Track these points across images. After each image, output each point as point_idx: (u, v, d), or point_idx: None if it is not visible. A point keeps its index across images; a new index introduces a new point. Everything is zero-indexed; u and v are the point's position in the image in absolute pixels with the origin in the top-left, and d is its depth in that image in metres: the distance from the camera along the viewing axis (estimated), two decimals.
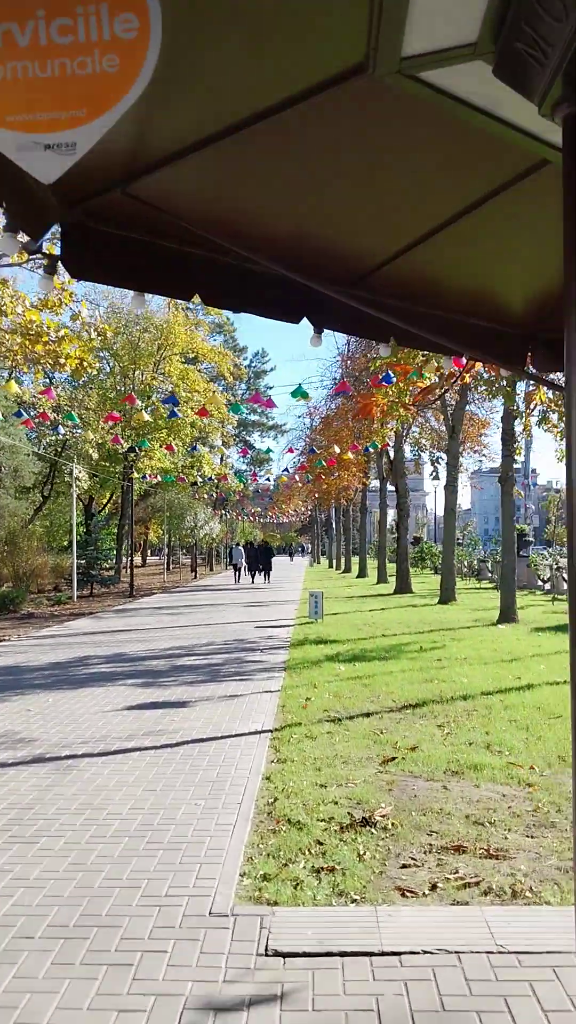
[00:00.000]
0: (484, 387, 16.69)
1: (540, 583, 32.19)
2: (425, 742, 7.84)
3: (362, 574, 43.50)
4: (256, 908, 4.42)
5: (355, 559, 55.52)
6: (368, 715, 9.11)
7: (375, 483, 47.36)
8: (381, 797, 6.21)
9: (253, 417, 70.65)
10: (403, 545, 30.33)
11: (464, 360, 13.05)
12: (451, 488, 23.90)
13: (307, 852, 5.17)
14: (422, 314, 4.66)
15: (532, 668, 12.10)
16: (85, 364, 16.08)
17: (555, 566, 29.33)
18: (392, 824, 5.60)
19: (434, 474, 47.61)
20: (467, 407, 25.05)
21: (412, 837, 5.40)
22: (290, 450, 30.99)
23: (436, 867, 4.92)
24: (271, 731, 8.50)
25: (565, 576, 27.73)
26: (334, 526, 63.30)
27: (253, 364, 70.12)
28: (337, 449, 23.19)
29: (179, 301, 48.74)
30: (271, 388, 71.73)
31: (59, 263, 3.49)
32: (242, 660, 13.63)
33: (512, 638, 15.59)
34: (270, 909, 4.40)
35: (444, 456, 39.22)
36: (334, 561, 61.51)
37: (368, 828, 5.55)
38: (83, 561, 30.79)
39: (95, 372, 43.72)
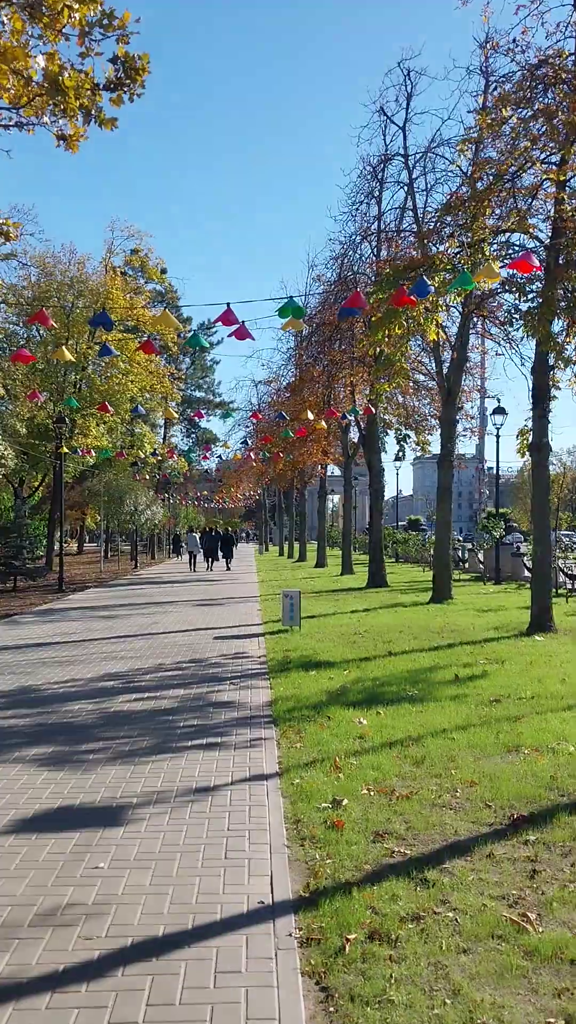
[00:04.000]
0: (522, 322, 12.61)
1: (528, 573, 28.52)
2: None
3: (320, 563, 39.44)
4: None
5: (310, 546, 51.47)
6: (466, 853, 4.91)
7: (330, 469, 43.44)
8: None
9: (199, 394, 65.92)
10: (377, 532, 26.30)
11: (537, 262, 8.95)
12: (447, 463, 19.84)
13: None
14: None
15: None
16: None
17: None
18: None
19: (400, 453, 43.89)
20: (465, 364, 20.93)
21: None
22: (255, 415, 26.46)
23: None
24: (293, 906, 4.25)
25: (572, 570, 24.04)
26: (285, 511, 59.14)
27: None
28: (311, 415, 18.95)
29: (116, 263, 44.41)
30: (218, 362, 67.01)
31: None
32: (205, 701, 9.32)
33: (570, 659, 11.59)
34: None
35: (412, 434, 35.54)
36: (286, 549, 57.30)
37: None
38: (7, 551, 26.06)
39: (23, 340, 39.17)
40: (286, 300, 9.13)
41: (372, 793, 5.94)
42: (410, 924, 4.01)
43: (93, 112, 9.43)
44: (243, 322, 10.06)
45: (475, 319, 20.36)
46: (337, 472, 49.55)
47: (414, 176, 21.30)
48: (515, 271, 9.29)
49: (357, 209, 24.50)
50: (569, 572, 24.09)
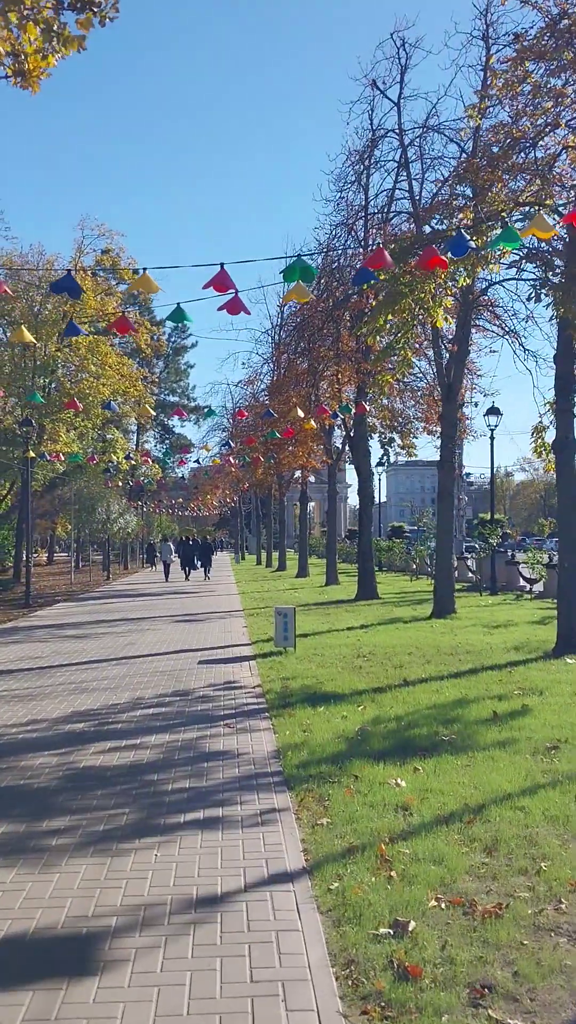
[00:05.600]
0: (551, 299, 11.08)
1: (524, 583, 27.07)
2: None
3: (303, 573, 37.77)
4: None
5: (288, 555, 49.85)
6: None
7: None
8: None
9: (173, 399, 64.15)
10: (367, 539, 24.72)
11: None
12: (447, 464, 18.28)
13: None
14: None
15: None
16: None
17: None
18: None
19: (384, 458, 42.47)
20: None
21: None
22: (240, 413, 24.72)
23: None
24: None
25: None
26: (263, 518, 57.46)
27: (172, 339, 63.53)
28: (301, 413, 17.31)
29: (85, 263, 42.57)
30: (192, 366, 65.29)
31: None
32: (197, 751, 7.61)
33: None
34: None
35: (397, 437, 34.19)
36: (264, 558, 55.55)
37: None
38: None
39: None
40: (293, 259, 7.49)
41: (444, 907, 4.29)
42: None
43: (56, 28, 7.76)
44: (237, 291, 8.43)
45: (475, 312, 18.90)
46: (313, 479, 48.01)
47: (409, 159, 19.75)
48: (570, 224, 7.72)
49: (342, 197, 22.95)
50: None
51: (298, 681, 10.82)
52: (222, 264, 7.56)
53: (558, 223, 8.38)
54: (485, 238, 10.68)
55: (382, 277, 12.50)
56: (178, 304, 8.75)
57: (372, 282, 9.58)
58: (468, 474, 70.23)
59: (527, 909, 4.24)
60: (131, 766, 7.15)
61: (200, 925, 4.19)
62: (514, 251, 12.89)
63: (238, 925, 4.18)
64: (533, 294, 11.44)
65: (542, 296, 11.27)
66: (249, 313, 8.44)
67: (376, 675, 11.15)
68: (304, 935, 4.06)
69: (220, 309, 8.61)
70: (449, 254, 7.41)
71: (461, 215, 12.11)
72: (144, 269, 7.67)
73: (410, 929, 4.03)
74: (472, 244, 7.42)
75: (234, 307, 8.54)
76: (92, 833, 5.53)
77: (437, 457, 19.21)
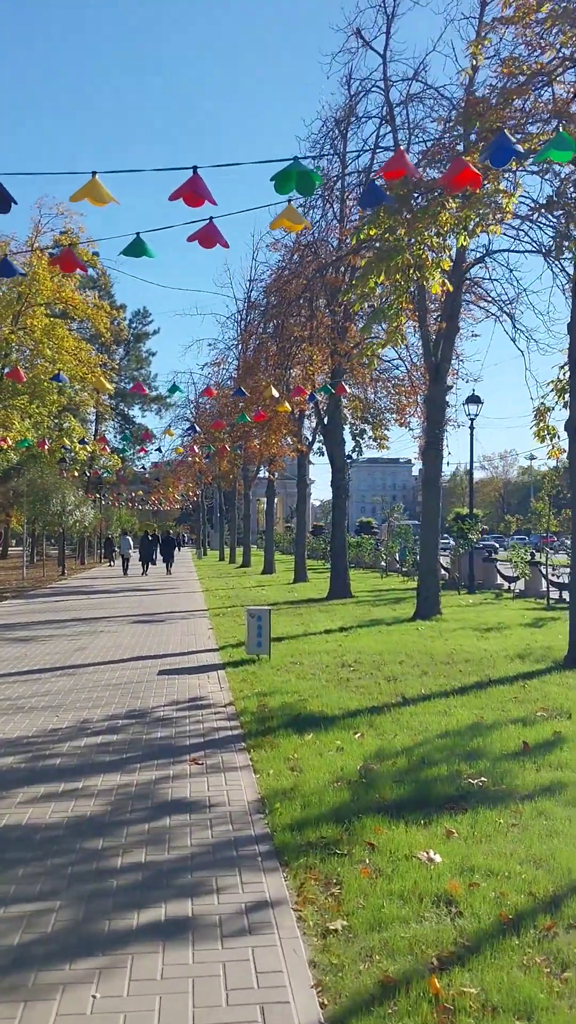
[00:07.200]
0: (571, 247, 9.51)
1: (503, 581, 25.71)
2: None
3: (269, 569, 36.05)
4: None
5: (252, 550, 48.12)
6: None
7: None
8: None
9: (132, 387, 61.78)
10: (340, 534, 23.10)
11: None
12: (434, 451, 16.66)
13: None
14: None
15: None
16: None
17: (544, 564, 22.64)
18: None
19: (355, 450, 40.88)
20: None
21: None
22: (208, 392, 22.99)
23: None
24: None
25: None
26: (226, 513, 55.67)
27: (134, 325, 61.15)
28: (275, 393, 15.58)
29: (43, 243, 40.26)
30: (154, 354, 63.13)
31: None
32: (155, 801, 5.87)
33: None
34: None
35: (368, 428, 32.69)
36: (227, 553, 53.66)
37: None
38: None
39: None
40: (288, 162, 5.76)
41: None
42: None
43: None
44: (211, 218, 6.70)
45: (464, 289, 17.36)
46: (277, 474, 46.32)
47: (395, 115, 18.04)
48: None
49: (318, 166, 21.20)
50: (557, 581, 21.25)
51: (277, 698, 9.13)
52: (195, 168, 5.80)
53: None
54: (533, 145, 9.09)
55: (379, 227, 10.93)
56: (137, 234, 6.97)
57: (383, 204, 7.88)
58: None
59: None
60: (69, 824, 5.40)
61: None
62: (527, 202, 11.36)
63: None
64: (554, 247, 9.85)
65: (564, 249, 9.69)
66: (227, 246, 6.70)
67: (368, 690, 9.49)
68: None
69: (191, 239, 6.86)
70: (488, 163, 5.76)
71: (468, 159, 10.51)
72: (93, 173, 5.87)
73: None
74: (519, 148, 5.77)
75: (208, 237, 6.80)
76: (3, 952, 3.78)
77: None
